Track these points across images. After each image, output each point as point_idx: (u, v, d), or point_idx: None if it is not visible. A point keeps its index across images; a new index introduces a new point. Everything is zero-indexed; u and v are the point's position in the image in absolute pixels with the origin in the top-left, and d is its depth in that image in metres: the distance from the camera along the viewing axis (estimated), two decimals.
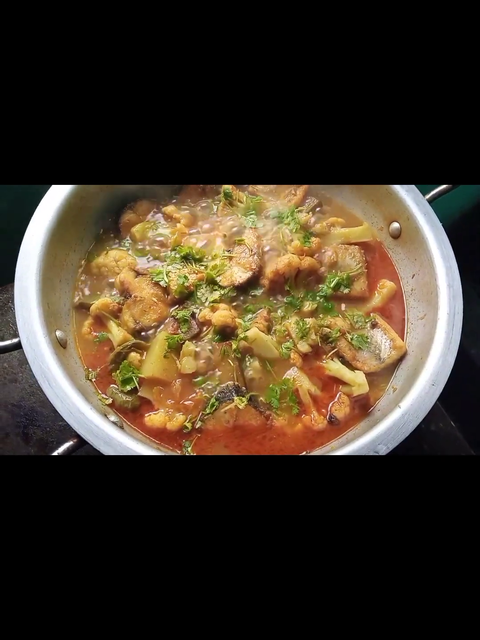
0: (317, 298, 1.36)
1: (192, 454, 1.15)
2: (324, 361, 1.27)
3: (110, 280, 1.37)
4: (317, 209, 1.54)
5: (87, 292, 1.37)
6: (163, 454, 1.04)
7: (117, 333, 1.25)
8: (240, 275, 1.35)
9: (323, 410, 1.22)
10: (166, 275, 1.33)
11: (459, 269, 1.28)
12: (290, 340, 1.28)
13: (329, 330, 1.27)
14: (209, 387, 1.21)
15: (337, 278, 1.36)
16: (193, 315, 1.29)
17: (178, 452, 1.15)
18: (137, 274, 1.36)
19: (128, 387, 1.19)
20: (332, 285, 1.36)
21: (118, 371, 1.21)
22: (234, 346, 1.24)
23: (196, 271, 1.35)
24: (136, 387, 1.20)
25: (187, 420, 1.18)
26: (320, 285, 1.37)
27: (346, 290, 1.36)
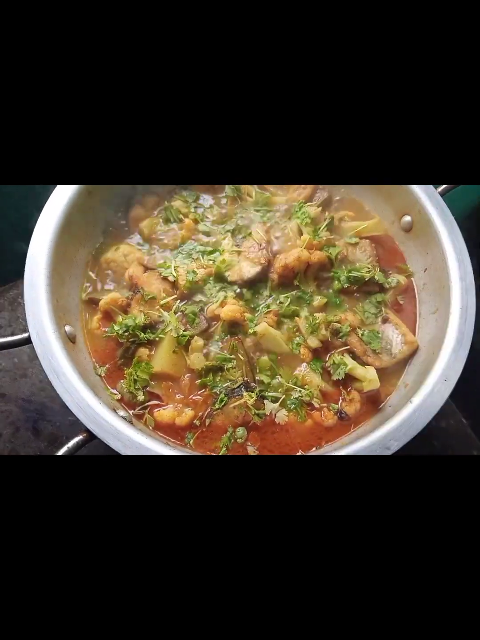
0: (333, 288, 1.34)
1: (193, 445, 1.15)
2: (328, 359, 1.25)
3: (119, 276, 1.37)
4: (327, 202, 1.52)
5: (96, 287, 1.37)
6: (171, 449, 1.03)
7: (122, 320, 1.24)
8: (249, 269, 1.34)
9: (334, 405, 1.21)
10: (174, 270, 1.33)
11: (472, 262, 1.25)
12: (300, 336, 1.27)
13: (339, 325, 1.26)
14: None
15: (348, 272, 1.34)
16: (202, 310, 1.29)
17: (186, 450, 1.15)
18: (146, 268, 1.35)
19: (140, 393, 1.18)
20: (342, 279, 1.34)
21: (130, 369, 1.20)
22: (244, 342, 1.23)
23: (205, 266, 1.35)
24: (147, 385, 1.20)
25: (197, 418, 1.17)
26: (330, 279, 1.36)
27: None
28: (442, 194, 1.37)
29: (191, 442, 1.16)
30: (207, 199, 1.52)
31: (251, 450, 1.14)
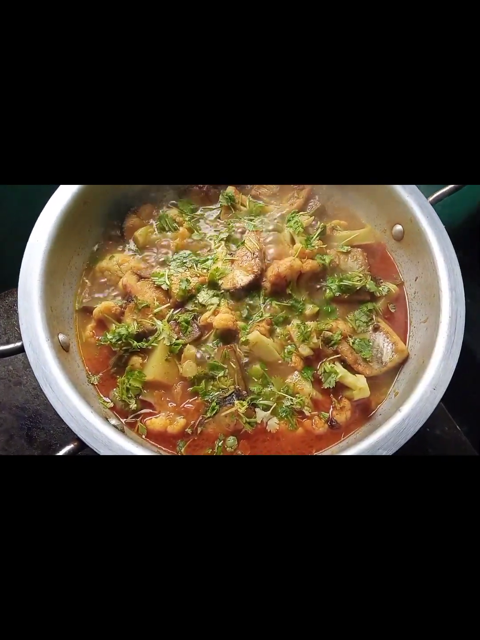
0: (325, 297, 1.35)
1: (184, 454, 1.16)
2: (319, 367, 1.26)
3: (113, 284, 1.38)
4: (320, 212, 1.53)
5: (90, 295, 1.38)
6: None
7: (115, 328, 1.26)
8: (242, 278, 1.35)
9: (324, 414, 1.22)
10: (168, 278, 1.34)
11: (467, 269, 1.26)
12: (292, 344, 1.28)
13: (330, 333, 1.27)
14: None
15: (339, 281, 1.36)
16: (194, 318, 1.30)
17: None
18: (140, 277, 1.37)
19: (132, 401, 1.19)
20: (334, 288, 1.35)
21: (123, 377, 1.21)
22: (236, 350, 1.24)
23: (198, 274, 1.36)
24: (139, 393, 1.21)
25: (189, 426, 1.18)
26: (321, 288, 1.37)
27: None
28: (433, 203, 1.39)
29: (182, 450, 1.16)
30: (202, 208, 1.53)
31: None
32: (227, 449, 1.16)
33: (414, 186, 1.39)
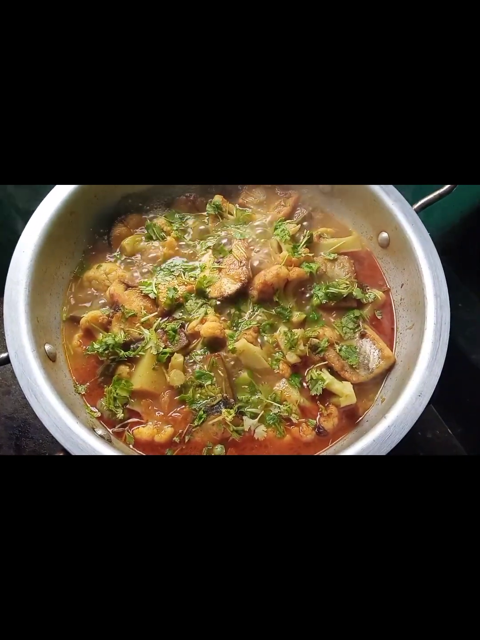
0: (312, 304, 1.36)
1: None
2: (306, 374, 1.27)
3: (100, 293, 1.38)
4: (307, 220, 1.54)
5: (77, 305, 1.38)
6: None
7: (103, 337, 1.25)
8: (229, 286, 1.35)
9: (312, 420, 1.22)
10: (156, 287, 1.34)
11: (458, 274, 1.27)
12: (279, 351, 1.29)
13: (317, 340, 1.28)
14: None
15: (326, 288, 1.37)
16: (182, 326, 1.30)
17: None
18: (127, 286, 1.37)
19: (119, 410, 1.19)
20: (320, 295, 1.36)
21: (110, 387, 1.21)
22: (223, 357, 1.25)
23: (185, 283, 1.36)
24: (126, 402, 1.21)
25: (177, 435, 1.18)
26: (309, 296, 1.38)
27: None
28: (418, 211, 1.40)
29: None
30: (189, 218, 1.54)
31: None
32: None
33: (399, 194, 1.40)
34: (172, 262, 1.43)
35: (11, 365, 1.12)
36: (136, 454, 1.16)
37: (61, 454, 1.03)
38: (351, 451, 1.03)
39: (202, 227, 1.52)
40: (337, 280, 1.40)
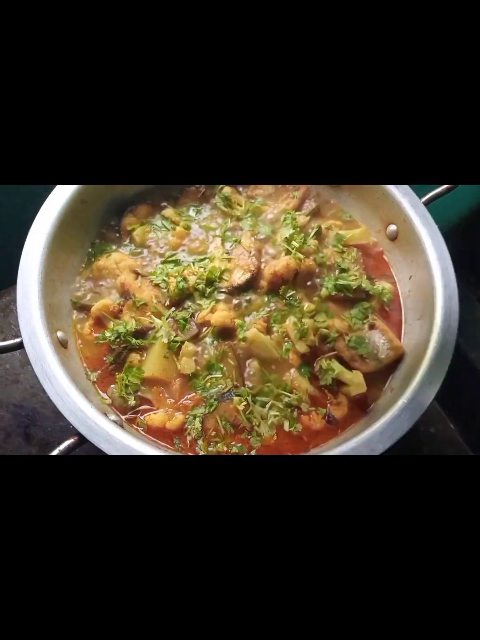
0: (321, 295, 1.37)
1: (181, 447, 1.17)
2: (316, 364, 1.28)
3: (110, 282, 1.39)
4: (315, 212, 1.55)
5: (88, 294, 1.38)
6: (163, 452, 1.05)
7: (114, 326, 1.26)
8: (239, 276, 1.36)
9: (321, 409, 1.23)
10: (166, 276, 1.35)
11: (457, 273, 1.29)
12: (289, 341, 1.30)
13: (327, 331, 1.29)
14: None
15: (335, 280, 1.37)
16: (192, 316, 1.31)
17: (178, 453, 1.16)
18: (137, 275, 1.37)
19: (131, 397, 1.20)
20: (330, 287, 1.37)
21: (122, 374, 1.22)
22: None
23: (195, 273, 1.37)
24: (138, 389, 1.21)
25: (188, 423, 1.19)
26: (317, 287, 1.39)
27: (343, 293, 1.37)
28: (426, 204, 1.41)
29: (181, 445, 1.17)
30: (198, 209, 1.55)
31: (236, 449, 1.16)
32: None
33: (407, 187, 1.41)
34: (181, 252, 1.43)
35: (20, 353, 1.12)
36: (148, 442, 1.16)
37: (71, 441, 1.03)
38: (362, 436, 1.04)
39: (211, 218, 1.53)
40: (345, 272, 1.41)
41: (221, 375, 1.24)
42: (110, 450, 1.00)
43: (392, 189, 1.42)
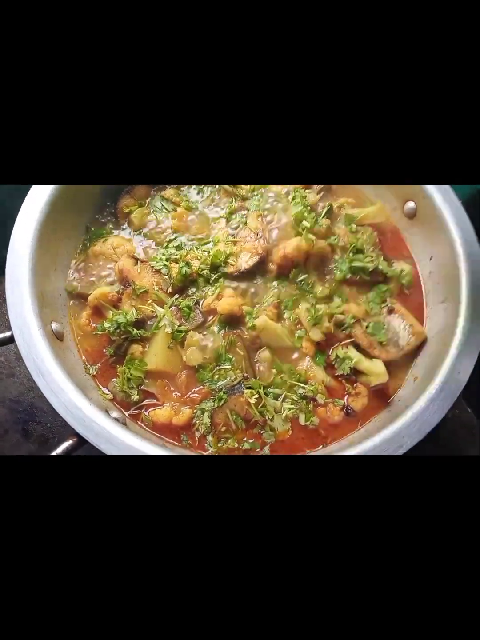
0: (335, 279, 1.28)
1: (189, 444, 1.10)
2: (331, 352, 1.19)
3: (108, 269, 1.29)
4: (326, 189, 1.45)
5: (84, 281, 1.29)
6: (170, 451, 0.97)
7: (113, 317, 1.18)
8: (246, 260, 1.27)
9: (339, 401, 1.15)
10: (167, 262, 1.26)
11: None
12: (302, 329, 1.21)
13: (342, 316, 1.20)
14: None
15: (350, 261, 1.28)
16: (197, 303, 1.22)
17: (185, 450, 1.08)
18: (137, 261, 1.28)
19: (134, 392, 1.12)
20: (344, 269, 1.27)
21: (123, 367, 1.14)
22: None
23: (199, 257, 1.27)
24: (141, 383, 1.13)
25: (196, 418, 1.11)
26: (332, 269, 1.29)
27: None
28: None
29: (189, 441, 1.10)
30: (199, 188, 1.44)
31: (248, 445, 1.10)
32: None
33: None
34: (183, 235, 1.34)
35: (14, 345, 1.03)
36: (153, 438, 1.09)
37: (70, 442, 0.95)
38: (388, 432, 0.97)
39: (214, 198, 1.42)
40: (361, 253, 1.31)
41: (230, 367, 1.15)
42: (111, 451, 0.92)
43: None
